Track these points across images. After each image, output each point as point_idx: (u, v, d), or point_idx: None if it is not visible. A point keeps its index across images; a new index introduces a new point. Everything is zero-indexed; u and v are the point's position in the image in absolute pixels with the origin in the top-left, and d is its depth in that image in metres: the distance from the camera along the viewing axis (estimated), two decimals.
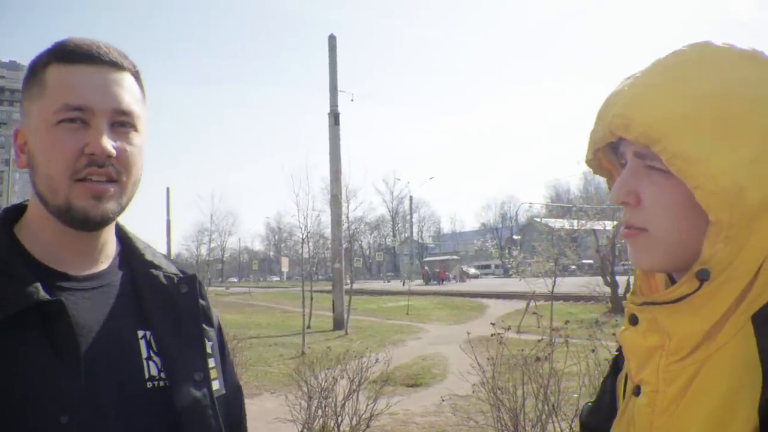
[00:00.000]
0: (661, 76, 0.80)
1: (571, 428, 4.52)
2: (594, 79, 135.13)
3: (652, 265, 0.85)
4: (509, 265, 19.06)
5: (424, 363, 11.34)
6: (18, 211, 1.09)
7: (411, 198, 72.62)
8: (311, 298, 17.27)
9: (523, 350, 4.90)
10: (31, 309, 0.93)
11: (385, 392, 6.35)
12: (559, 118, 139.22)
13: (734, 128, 0.74)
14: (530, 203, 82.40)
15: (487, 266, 65.40)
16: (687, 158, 0.74)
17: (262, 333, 16.56)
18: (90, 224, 1.01)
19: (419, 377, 10.00)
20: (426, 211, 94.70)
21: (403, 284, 45.73)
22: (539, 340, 5.13)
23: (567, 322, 6.35)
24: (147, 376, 1.03)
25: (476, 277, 57.59)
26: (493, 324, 5.55)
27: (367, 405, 5.68)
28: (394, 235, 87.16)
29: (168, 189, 41.31)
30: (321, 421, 5.56)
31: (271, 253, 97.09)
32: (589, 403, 1.10)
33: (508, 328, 5.23)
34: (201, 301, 1.16)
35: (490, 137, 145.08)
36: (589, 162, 0.93)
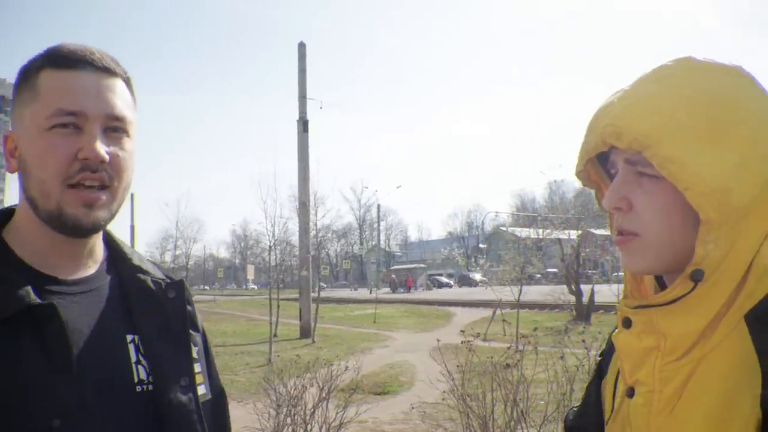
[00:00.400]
0: (650, 87, 0.85)
1: None
2: (561, 91, 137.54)
3: (645, 268, 0.88)
4: (474, 273, 19.18)
5: (391, 371, 11.35)
6: (6, 215, 1.08)
7: (378, 206, 72.82)
8: (278, 306, 17.14)
9: (492, 357, 4.94)
10: (22, 312, 0.92)
11: (354, 400, 6.34)
12: (524, 128, 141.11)
13: (721, 134, 0.79)
14: (496, 212, 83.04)
15: (439, 275, 64.52)
16: (677, 162, 0.78)
17: (227, 341, 16.40)
18: (81, 232, 1.02)
19: (387, 385, 10.01)
20: (393, 220, 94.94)
21: (370, 292, 45.71)
22: (509, 347, 5.18)
23: (535, 329, 6.42)
24: (136, 380, 1.02)
25: (449, 286, 57.05)
26: (463, 331, 5.59)
27: (337, 413, 5.65)
28: (362, 243, 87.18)
29: (132, 194, 40.66)
30: (290, 430, 5.51)
31: (237, 261, 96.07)
32: (575, 408, 1.13)
33: (477, 335, 5.27)
34: (188, 307, 1.16)
35: (457, 146, 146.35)
36: (579, 174, 0.97)
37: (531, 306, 21.43)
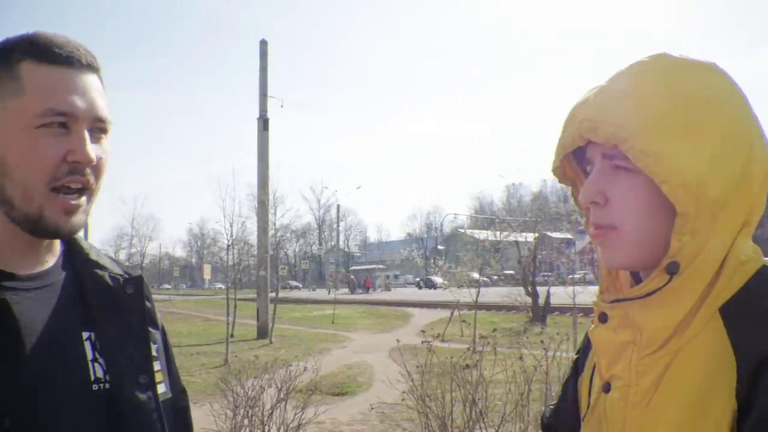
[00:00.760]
0: (626, 82, 0.85)
1: None
2: (519, 95, 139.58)
3: (623, 262, 0.88)
4: (434, 274, 19.35)
5: (349, 372, 11.33)
6: None
7: (338, 206, 72.65)
8: (235, 306, 16.94)
9: (451, 358, 4.96)
10: None
11: (312, 401, 6.29)
12: (484, 131, 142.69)
13: (696, 128, 0.80)
14: (455, 214, 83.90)
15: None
16: (654, 155, 0.79)
17: (182, 342, 16.11)
18: (58, 236, 0.99)
19: (345, 386, 9.99)
20: (353, 220, 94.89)
21: (329, 293, 45.56)
22: (468, 348, 5.21)
23: (494, 330, 6.48)
24: (93, 378, 0.99)
25: (420, 286, 56.23)
26: (423, 331, 5.62)
27: (295, 414, 5.61)
28: (321, 244, 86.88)
29: None
30: (247, 431, 5.44)
31: (193, 260, 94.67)
32: (551, 405, 1.13)
33: (437, 336, 5.29)
34: (147, 303, 1.12)
35: (417, 148, 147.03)
36: (555, 170, 0.98)
37: (488, 307, 21.67)
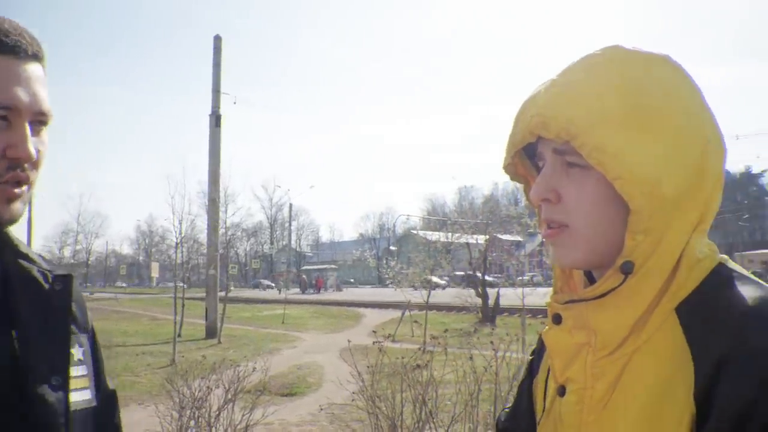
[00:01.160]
0: (577, 76, 0.82)
1: None
2: (473, 97, 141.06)
3: (575, 260, 0.85)
4: (386, 275, 19.38)
5: (299, 372, 11.24)
6: None
7: (291, 205, 72.02)
8: (182, 305, 16.60)
9: (403, 358, 4.96)
10: None
11: (261, 402, 6.21)
12: (435, 133, 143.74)
13: (649, 124, 0.77)
14: (408, 215, 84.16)
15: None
16: (606, 151, 0.76)
17: (128, 341, 15.70)
18: None
19: (295, 386, 9.90)
20: (305, 220, 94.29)
21: (280, 292, 45.14)
22: (419, 348, 5.22)
23: (446, 330, 6.51)
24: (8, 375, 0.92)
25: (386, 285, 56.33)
26: (374, 332, 5.61)
27: (243, 415, 5.52)
28: (272, 243, 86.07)
29: None
30: None
31: (141, 258, 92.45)
32: (506, 409, 1.11)
33: (388, 336, 5.29)
34: (72, 303, 1.07)
35: (369, 149, 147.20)
36: (506, 167, 0.93)
37: (439, 308, 21.81)
